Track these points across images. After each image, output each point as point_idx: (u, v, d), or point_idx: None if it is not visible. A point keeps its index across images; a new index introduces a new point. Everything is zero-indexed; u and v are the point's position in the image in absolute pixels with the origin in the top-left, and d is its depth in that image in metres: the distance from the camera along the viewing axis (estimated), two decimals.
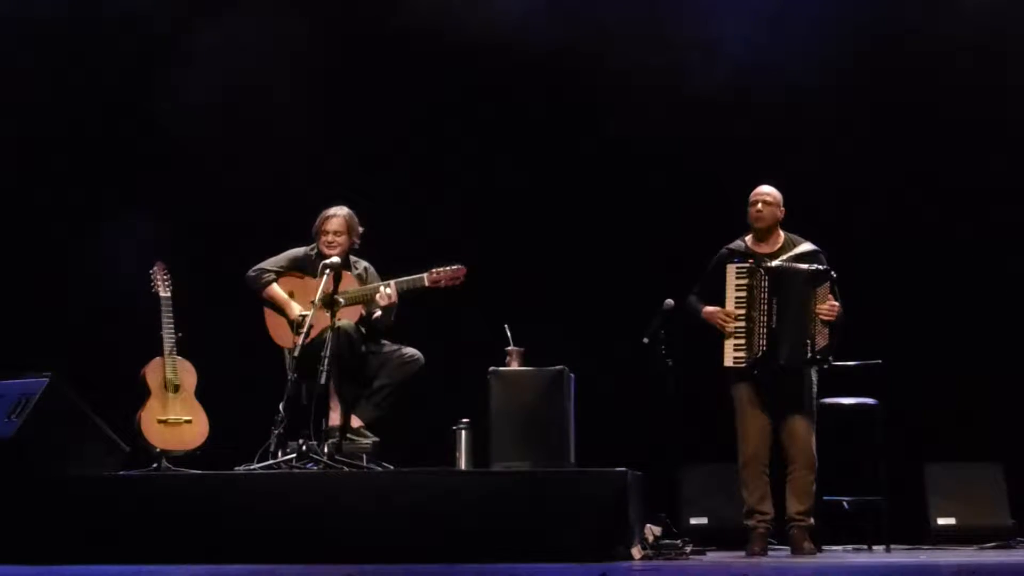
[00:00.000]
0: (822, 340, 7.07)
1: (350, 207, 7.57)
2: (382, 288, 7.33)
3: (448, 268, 7.35)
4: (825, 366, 7.16)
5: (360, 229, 7.56)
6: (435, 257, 7.47)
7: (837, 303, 7.08)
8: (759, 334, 7.10)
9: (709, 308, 7.23)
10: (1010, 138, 8.64)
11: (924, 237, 8.58)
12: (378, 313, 7.40)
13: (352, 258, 7.60)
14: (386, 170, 8.94)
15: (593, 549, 6.37)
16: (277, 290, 7.51)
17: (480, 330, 7.59)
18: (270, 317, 7.52)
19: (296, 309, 7.41)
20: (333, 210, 7.53)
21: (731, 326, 7.14)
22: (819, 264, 7.13)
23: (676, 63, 8.71)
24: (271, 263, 7.57)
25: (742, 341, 7.13)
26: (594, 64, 8.87)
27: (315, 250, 7.54)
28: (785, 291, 7.10)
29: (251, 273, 7.55)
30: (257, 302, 7.55)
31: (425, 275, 7.35)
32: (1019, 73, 8.61)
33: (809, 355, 7.06)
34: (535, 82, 8.98)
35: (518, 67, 8.90)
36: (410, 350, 7.43)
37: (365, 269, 7.63)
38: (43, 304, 8.83)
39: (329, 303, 7.20)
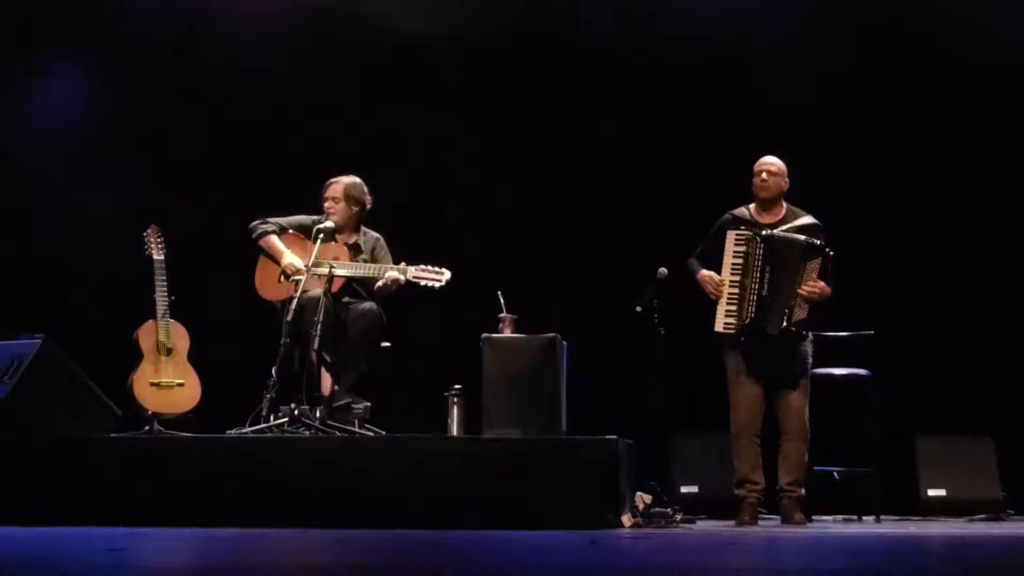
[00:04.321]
0: (800, 313, 7.07)
1: (333, 168, 7.60)
2: (393, 272, 7.31)
3: (432, 268, 7.31)
4: (803, 338, 7.16)
5: (367, 199, 7.57)
6: (427, 225, 7.47)
7: (821, 283, 7.07)
8: (749, 301, 7.11)
9: (704, 272, 7.24)
10: (1007, 106, 8.64)
11: (917, 208, 8.57)
12: (380, 284, 7.40)
13: (362, 228, 7.62)
14: (379, 140, 8.91)
15: (583, 517, 6.39)
16: (275, 240, 7.52)
17: (473, 297, 7.59)
18: (260, 270, 7.53)
19: (290, 259, 7.40)
20: (338, 177, 7.59)
21: (719, 293, 7.14)
22: (817, 238, 7.13)
23: (662, 21, 8.72)
24: (277, 219, 7.59)
25: (734, 307, 7.14)
26: (582, 28, 8.87)
27: (323, 217, 7.56)
28: (777, 261, 7.10)
29: (255, 221, 7.57)
30: (252, 258, 7.54)
31: (412, 268, 7.32)
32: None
33: (785, 324, 7.07)
34: (525, 51, 8.96)
35: (502, 34, 8.89)
36: (366, 304, 7.41)
37: (376, 240, 7.63)
38: (35, 266, 8.83)
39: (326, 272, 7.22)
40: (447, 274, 7.28)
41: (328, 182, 7.60)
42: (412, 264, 7.34)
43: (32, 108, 9.10)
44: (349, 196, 7.54)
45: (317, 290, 7.25)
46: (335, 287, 7.33)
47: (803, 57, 8.70)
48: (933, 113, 8.66)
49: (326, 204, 7.56)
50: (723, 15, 8.74)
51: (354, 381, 7.36)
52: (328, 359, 7.28)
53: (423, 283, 7.29)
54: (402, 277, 7.30)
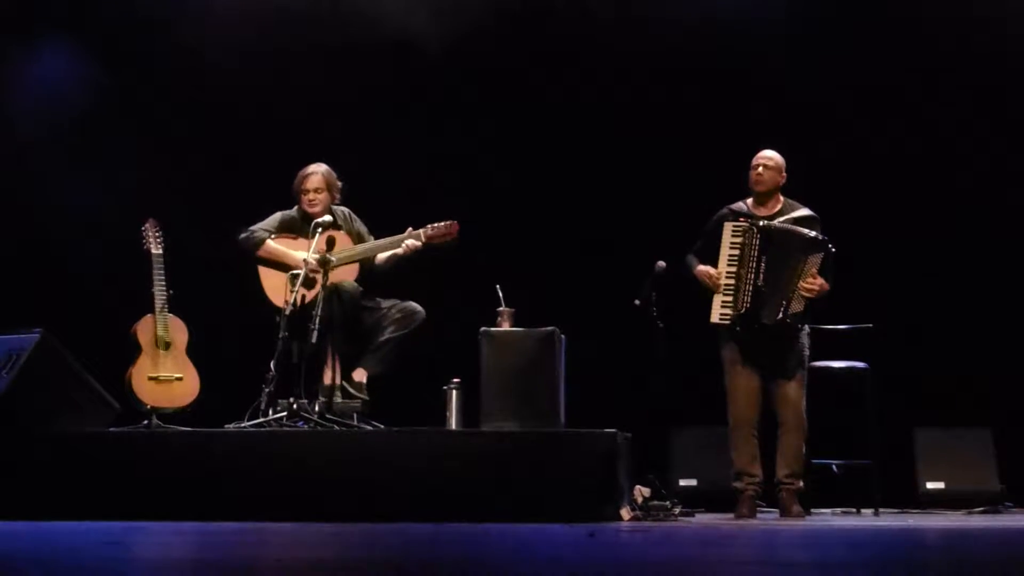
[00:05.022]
0: (797, 306, 7.07)
1: (330, 164, 7.57)
2: (410, 240, 7.34)
3: (441, 224, 7.36)
4: (800, 329, 7.15)
5: (339, 184, 7.56)
6: (427, 218, 7.46)
7: (820, 280, 7.06)
8: (745, 291, 7.11)
9: (701, 267, 7.24)
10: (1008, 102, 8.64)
11: (915, 202, 8.56)
12: (389, 254, 7.41)
13: (332, 207, 7.59)
14: (377, 131, 8.90)
15: (582, 510, 6.40)
16: (274, 244, 7.49)
17: (472, 290, 7.58)
18: (266, 278, 7.48)
19: (298, 256, 7.38)
20: (311, 168, 7.54)
21: (719, 284, 7.15)
22: (813, 229, 7.12)
23: (665, 16, 8.71)
24: (261, 225, 7.55)
25: (730, 298, 7.14)
26: (582, 26, 8.86)
27: (299, 211, 7.53)
28: (775, 251, 7.10)
29: (243, 234, 7.52)
30: (250, 263, 7.52)
31: (421, 231, 7.35)
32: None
33: (780, 315, 7.06)
34: (526, 48, 8.95)
35: (503, 30, 8.88)
36: (411, 304, 7.44)
37: (349, 215, 7.62)
38: (34, 260, 8.82)
39: (323, 262, 7.20)
40: (456, 224, 7.33)
41: (304, 175, 7.52)
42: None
43: (27, 92, 9.08)
44: (328, 184, 7.52)
45: (349, 280, 7.28)
46: (354, 275, 7.33)
47: (803, 56, 8.69)
48: (934, 111, 8.66)
49: (308, 197, 7.48)
50: (724, 13, 8.71)
51: (381, 372, 7.37)
52: (345, 348, 7.30)
53: (437, 241, 7.33)
54: (419, 243, 7.32)
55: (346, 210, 7.63)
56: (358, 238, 7.54)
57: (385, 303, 7.45)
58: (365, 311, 7.40)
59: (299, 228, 7.45)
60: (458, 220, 7.42)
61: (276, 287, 7.42)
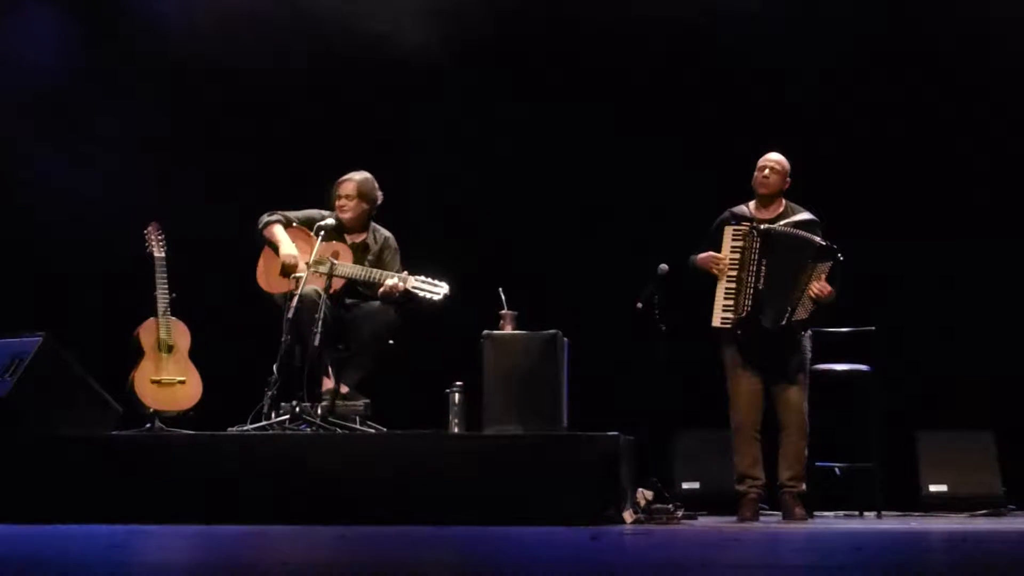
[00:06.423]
0: (803, 312, 7.07)
1: (329, 166, 7.55)
2: (392, 279, 7.24)
3: (431, 281, 7.27)
4: (800, 333, 7.16)
5: (379, 195, 7.51)
6: (430, 222, 7.46)
7: (830, 287, 7.06)
8: (745, 295, 7.11)
9: (703, 255, 7.24)
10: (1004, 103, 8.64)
11: (918, 204, 8.56)
12: (381, 290, 7.35)
13: (373, 225, 7.55)
14: (385, 136, 8.90)
15: (584, 513, 6.39)
16: (278, 230, 7.46)
17: (474, 293, 7.58)
18: (263, 261, 7.48)
19: (288, 249, 7.34)
20: (350, 174, 7.51)
21: (722, 264, 7.13)
22: (814, 233, 7.13)
23: (662, 20, 8.72)
24: (286, 212, 7.52)
25: (731, 302, 7.15)
26: (581, 26, 8.86)
27: (334, 215, 7.47)
28: (776, 254, 7.10)
29: (265, 215, 7.50)
30: (252, 255, 7.50)
31: (412, 278, 7.24)
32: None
33: (784, 322, 7.06)
34: (524, 48, 8.95)
35: (502, 31, 8.87)
36: (377, 304, 7.34)
37: (386, 240, 7.56)
38: (36, 264, 8.82)
39: (320, 264, 7.21)
40: (445, 287, 7.22)
41: (340, 180, 7.50)
42: (413, 274, 7.25)
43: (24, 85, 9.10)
44: (362, 193, 7.47)
45: (318, 287, 7.25)
46: (336, 286, 7.31)
47: (804, 55, 8.69)
48: (939, 111, 8.65)
49: (339, 202, 7.45)
50: (724, 12, 8.72)
51: (359, 379, 7.35)
52: (328, 357, 7.28)
53: (421, 294, 7.23)
54: (401, 284, 7.24)
55: (387, 235, 7.57)
56: (378, 264, 7.48)
57: (360, 306, 7.40)
58: (346, 317, 7.36)
59: (330, 231, 7.40)
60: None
61: (267, 271, 7.43)
